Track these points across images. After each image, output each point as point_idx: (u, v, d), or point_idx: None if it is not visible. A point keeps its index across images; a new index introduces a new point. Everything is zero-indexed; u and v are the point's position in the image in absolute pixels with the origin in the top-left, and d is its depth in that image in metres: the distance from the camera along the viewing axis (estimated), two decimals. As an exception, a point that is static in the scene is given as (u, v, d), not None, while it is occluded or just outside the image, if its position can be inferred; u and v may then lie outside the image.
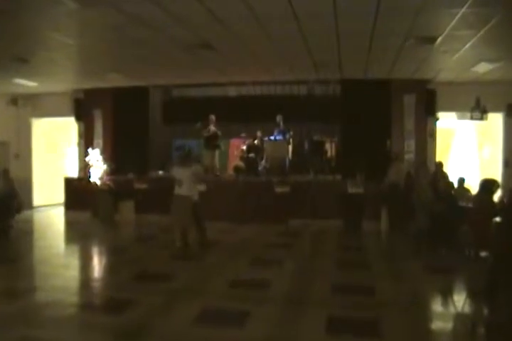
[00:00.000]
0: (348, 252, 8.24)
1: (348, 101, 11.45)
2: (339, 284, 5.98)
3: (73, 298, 5.58)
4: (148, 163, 12.52)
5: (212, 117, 11.75)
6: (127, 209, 11.37)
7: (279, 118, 11.94)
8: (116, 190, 11.43)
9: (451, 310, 5.17)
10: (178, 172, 7.64)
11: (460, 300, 5.31)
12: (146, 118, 12.66)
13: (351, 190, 10.28)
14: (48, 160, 14.08)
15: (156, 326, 4.53)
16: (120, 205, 11.32)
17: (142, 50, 8.37)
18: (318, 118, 12.33)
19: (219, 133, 11.79)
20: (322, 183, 10.97)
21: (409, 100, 11.15)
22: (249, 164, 12.02)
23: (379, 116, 11.15)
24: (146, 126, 12.62)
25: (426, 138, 11.22)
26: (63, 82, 11.62)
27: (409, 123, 11.19)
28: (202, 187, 9.46)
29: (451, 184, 8.90)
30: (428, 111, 11.07)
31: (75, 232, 10.57)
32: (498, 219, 5.78)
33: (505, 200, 6.59)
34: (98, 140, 12.83)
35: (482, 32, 6.86)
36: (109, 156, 12.36)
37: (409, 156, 10.96)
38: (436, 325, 4.84)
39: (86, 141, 12.91)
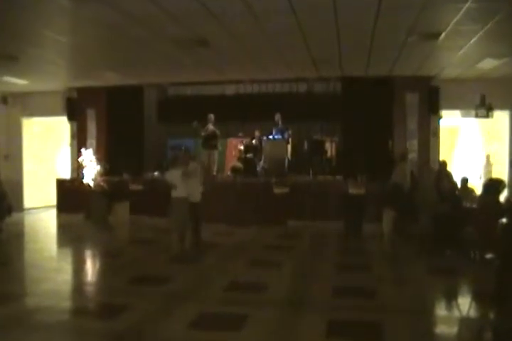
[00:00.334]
0: (349, 254, 8.17)
1: (348, 99, 11.34)
2: (340, 287, 5.89)
3: (66, 303, 5.47)
4: (143, 163, 12.42)
5: (211, 116, 11.68)
6: (122, 211, 11.27)
7: (277, 117, 11.78)
8: (110, 191, 11.32)
9: (456, 313, 5.07)
10: (171, 175, 7.61)
11: (465, 304, 5.22)
12: (141, 118, 12.58)
13: (352, 190, 10.17)
14: (39, 161, 13.97)
15: (151, 331, 4.43)
16: (114, 207, 11.23)
17: (137, 48, 8.31)
18: (318, 116, 12.23)
19: (217, 132, 11.71)
20: (322, 184, 10.85)
21: (411, 98, 11.03)
22: (247, 164, 11.89)
23: (381, 115, 11.04)
24: (140, 126, 12.54)
25: (429, 137, 11.09)
26: (55, 80, 11.50)
27: (412, 122, 11.08)
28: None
29: (456, 184, 8.89)
30: (431, 109, 10.92)
31: (67, 235, 10.48)
32: (504, 219, 5.75)
33: (511, 200, 6.53)
34: (91, 140, 12.72)
35: (487, 27, 6.77)
36: (102, 157, 12.27)
37: (412, 156, 10.82)
38: (441, 329, 4.74)
39: (79, 141, 12.80)
